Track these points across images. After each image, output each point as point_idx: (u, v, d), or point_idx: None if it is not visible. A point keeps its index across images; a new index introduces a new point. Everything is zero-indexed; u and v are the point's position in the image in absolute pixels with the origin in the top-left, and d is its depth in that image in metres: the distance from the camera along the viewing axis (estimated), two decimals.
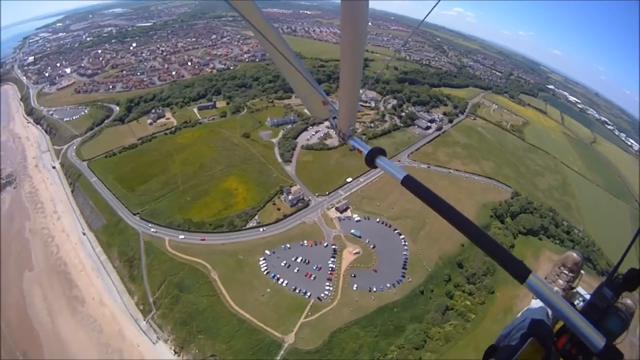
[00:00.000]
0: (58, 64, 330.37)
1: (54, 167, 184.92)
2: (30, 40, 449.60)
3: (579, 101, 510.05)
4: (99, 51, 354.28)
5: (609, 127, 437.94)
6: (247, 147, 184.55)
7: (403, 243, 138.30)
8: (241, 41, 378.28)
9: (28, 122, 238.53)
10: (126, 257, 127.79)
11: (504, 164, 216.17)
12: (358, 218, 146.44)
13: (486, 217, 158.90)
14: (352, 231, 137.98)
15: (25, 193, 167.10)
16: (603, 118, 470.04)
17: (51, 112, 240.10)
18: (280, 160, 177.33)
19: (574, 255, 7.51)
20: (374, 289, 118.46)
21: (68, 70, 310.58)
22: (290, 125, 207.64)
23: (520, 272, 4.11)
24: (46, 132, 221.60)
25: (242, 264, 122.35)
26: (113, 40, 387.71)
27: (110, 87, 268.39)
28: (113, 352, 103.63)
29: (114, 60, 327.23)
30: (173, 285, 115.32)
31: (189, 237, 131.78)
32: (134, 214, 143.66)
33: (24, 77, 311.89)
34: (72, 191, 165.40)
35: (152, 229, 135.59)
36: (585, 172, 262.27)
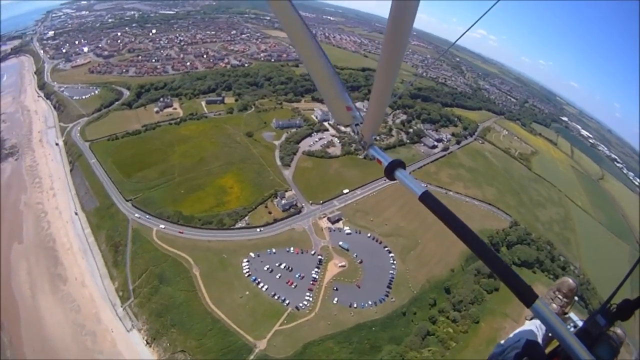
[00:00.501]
0: (76, 42, 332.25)
1: (57, 144, 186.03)
2: (53, 15, 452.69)
3: (591, 136, 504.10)
4: (118, 34, 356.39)
5: (618, 164, 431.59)
6: (249, 147, 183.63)
7: (391, 261, 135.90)
8: (260, 39, 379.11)
9: (39, 96, 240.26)
10: (113, 241, 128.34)
11: (507, 192, 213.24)
12: (349, 231, 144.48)
13: None
14: (340, 243, 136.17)
15: (25, 166, 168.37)
16: (613, 155, 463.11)
17: (62, 88, 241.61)
18: (279, 163, 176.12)
19: (570, 281, 7.70)
20: (355, 305, 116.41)
21: (85, 49, 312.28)
22: (295, 129, 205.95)
23: (528, 296, 4.22)
24: (55, 108, 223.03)
25: (225, 264, 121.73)
26: (134, 25, 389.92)
27: (124, 70, 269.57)
28: (87, 333, 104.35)
29: (131, 44, 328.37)
30: (154, 276, 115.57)
31: (173, 229, 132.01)
32: (127, 200, 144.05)
33: (41, 51, 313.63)
34: (70, 170, 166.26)
35: (141, 217, 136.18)
36: (588, 208, 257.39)
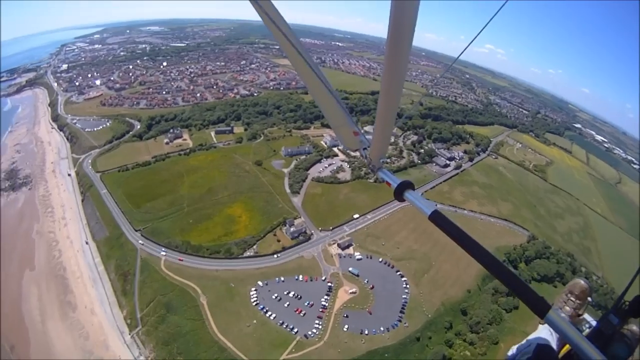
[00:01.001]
0: (89, 75, 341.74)
1: (69, 175, 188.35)
2: (67, 48, 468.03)
3: (605, 140, 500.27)
4: (130, 67, 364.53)
5: (635, 166, 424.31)
6: (258, 175, 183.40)
7: (404, 285, 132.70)
8: (269, 69, 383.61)
9: (52, 128, 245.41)
10: (122, 271, 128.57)
11: (523, 206, 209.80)
12: (360, 256, 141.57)
13: None
14: (350, 269, 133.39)
15: (38, 196, 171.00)
16: (630, 157, 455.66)
17: (75, 120, 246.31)
18: (288, 190, 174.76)
19: (582, 282, 7.49)
20: (366, 332, 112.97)
21: (98, 82, 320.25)
22: (304, 156, 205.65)
23: (541, 307, 4.30)
24: (68, 139, 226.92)
25: (233, 292, 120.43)
26: (145, 58, 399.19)
27: (135, 103, 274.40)
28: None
29: (142, 77, 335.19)
30: (161, 305, 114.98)
31: (184, 259, 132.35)
32: (136, 230, 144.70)
33: (55, 84, 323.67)
34: (82, 200, 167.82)
35: (149, 246, 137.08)
36: (608, 214, 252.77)
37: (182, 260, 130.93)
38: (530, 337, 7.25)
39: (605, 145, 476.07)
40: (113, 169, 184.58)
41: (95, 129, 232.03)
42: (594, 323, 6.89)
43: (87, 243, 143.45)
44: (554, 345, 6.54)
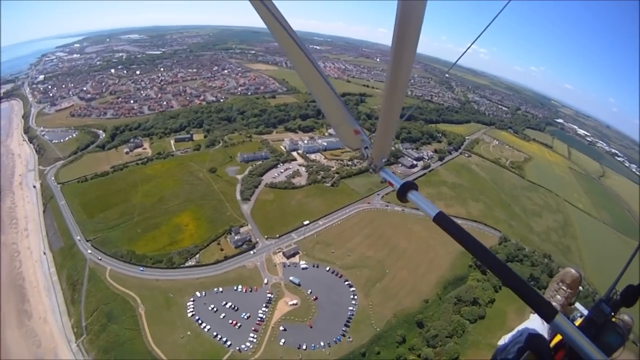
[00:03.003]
0: (64, 85, 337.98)
1: (34, 187, 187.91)
2: (47, 59, 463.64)
3: (588, 134, 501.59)
4: (104, 76, 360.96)
5: (619, 159, 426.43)
6: (210, 183, 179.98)
7: (352, 296, 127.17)
8: (240, 74, 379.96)
9: (23, 140, 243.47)
10: (72, 280, 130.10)
11: (496, 205, 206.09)
12: (305, 265, 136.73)
13: (463, 268, 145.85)
14: (291, 279, 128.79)
15: (5, 208, 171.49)
16: (613, 150, 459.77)
17: (43, 132, 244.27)
18: (239, 197, 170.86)
19: (573, 271, 7.50)
20: (304, 347, 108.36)
21: (71, 93, 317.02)
22: (260, 162, 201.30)
23: (548, 312, 4.26)
24: (36, 151, 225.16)
25: (170, 303, 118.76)
26: (120, 66, 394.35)
27: (102, 113, 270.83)
28: None
29: (114, 86, 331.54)
30: (103, 314, 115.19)
31: (127, 269, 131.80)
32: (87, 240, 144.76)
33: (30, 95, 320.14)
34: (43, 211, 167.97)
35: (97, 256, 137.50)
36: (590, 209, 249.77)
37: (142, 270, 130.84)
38: (521, 326, 7.02)
39: (588, 139, 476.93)
40: (72, 180, 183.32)
41: (62, 141, 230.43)
42: (585, 312, 6.96)
43: (44, 253, 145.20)
44: (546, 334, 6.44)
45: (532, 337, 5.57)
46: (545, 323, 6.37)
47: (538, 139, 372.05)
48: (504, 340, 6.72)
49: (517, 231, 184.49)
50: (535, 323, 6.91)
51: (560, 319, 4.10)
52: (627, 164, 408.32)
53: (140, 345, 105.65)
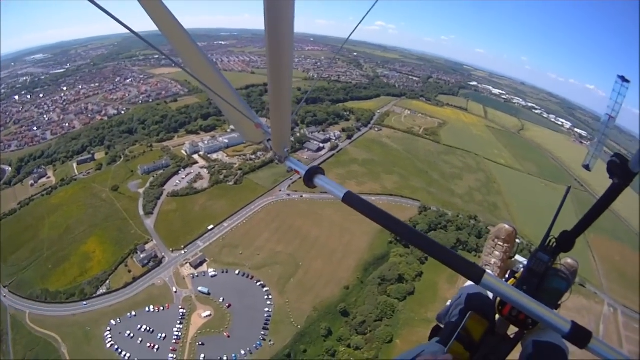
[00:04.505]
0: None
1: None
2: None
3: (503, 92, 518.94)
4: (7, 105, 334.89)
5: (536, 111, 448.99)
6: (113, 202, 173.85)
7: (266, 297, 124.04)
8: (142, 81, 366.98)
9: None
10: None
11: (412, 175, 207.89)
12: (214, 272, 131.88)
13: (383, 245, 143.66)
14: (200, 289, 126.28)
15: None
16: (530, 104, 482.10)
17: None
18: (142, 213, 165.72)
19: (506, 226, 7.52)
20: (225, 359, 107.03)
21: None
22: (162, 171, 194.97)
23: (475, 273, 4.16)
24: None
25: (89, 336, 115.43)
26: (23, 92, 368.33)
27: (7, 146, 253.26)
28: None
29: (17, 114, 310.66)
30: None
31: (44, 309, 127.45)
32: (4, 287, 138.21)
33: None
34: None
35: (15, 302, 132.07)
36: (513, 163, 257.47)
37: (86, 304, 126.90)
38: (462, 286, 7.03)
39: (504, 97, 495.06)
40: None
41: None
42: (525, 262, 6.91)
43: None
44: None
45: (472, 296, 5.74)
46: None
47: (452, 103, 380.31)
48: (446, 306, 6.89)
49: (437, 197, 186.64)
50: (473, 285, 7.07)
51: (488, 278, 4.14)
52: (545, 115, 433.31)
53: None
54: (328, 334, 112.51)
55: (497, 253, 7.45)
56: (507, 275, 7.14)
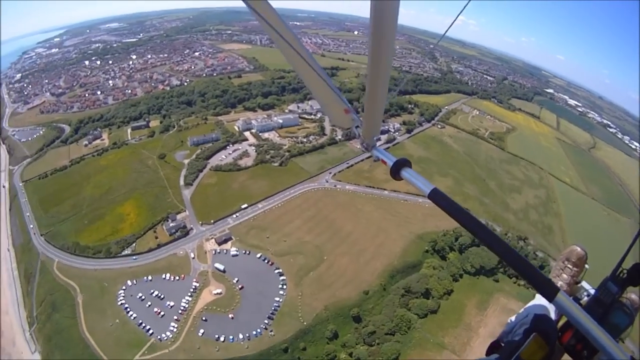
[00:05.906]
0: (38, 82, 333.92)
1: (3, 187, 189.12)
2: (26, 56, 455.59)
3: (579, 104, 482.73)
4: (77, 69, 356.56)
5: (611, 130, 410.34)
6: (157, 169, 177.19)
7: (281, 286, 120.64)
8: (210, 55, 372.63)
9: None
10: (27, 274, 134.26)
11: (467, 181, 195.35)
12: (235, 252, 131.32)
13: (418, 254, 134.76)
14: (216, 265, 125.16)
15: None
16: (605, 121, 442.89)
17: (14, 132, 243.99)
18: (182, 183, 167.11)
19: (578, 249, 7.23)
20: (222, 339, 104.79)
21: (44, 89, 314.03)
22: (210, 144, 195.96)
23: (549, 290, 4.14)
24: (8, 152, 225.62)
25: (105, 291, 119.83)
26: (94, 58, 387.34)
27: (69, 107, 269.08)
28: (5, 355, 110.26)
29: (85, 78, 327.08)
30: (49, 304, 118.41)
31: (72, 260, 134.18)
32: (42, 235, 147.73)
33: (6, 95, 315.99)
34: (10, 210, 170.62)
35: (48, 249, 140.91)
36: (578, 184, 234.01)
37: (136, 258, 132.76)
38: (528, 305, 6.85)
39: (579, 109, 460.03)
40: (35, 177, 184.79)
41: (29, 139, 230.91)
42: (592, 291, 6.66)
43: (8, 250, 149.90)
44: (552, 314, 6.26)
45: (539, 318, 5.39)
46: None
47: (524, 109, 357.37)
48: (510, 320, 6.50)
49: (489, 209, 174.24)
50: (541, 302, 6.62)
51: (562, 297, 3.99)
52: (619, 136, 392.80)
53: (76, 333, 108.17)
54: (333, 336, 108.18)
55: (565, 276, 7.14)
56: None
